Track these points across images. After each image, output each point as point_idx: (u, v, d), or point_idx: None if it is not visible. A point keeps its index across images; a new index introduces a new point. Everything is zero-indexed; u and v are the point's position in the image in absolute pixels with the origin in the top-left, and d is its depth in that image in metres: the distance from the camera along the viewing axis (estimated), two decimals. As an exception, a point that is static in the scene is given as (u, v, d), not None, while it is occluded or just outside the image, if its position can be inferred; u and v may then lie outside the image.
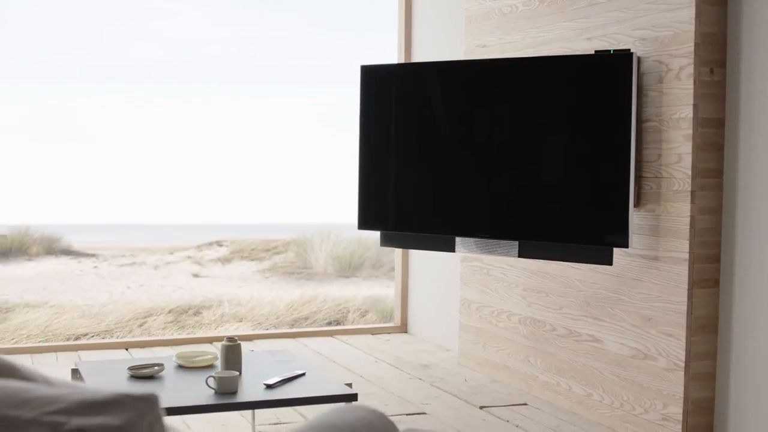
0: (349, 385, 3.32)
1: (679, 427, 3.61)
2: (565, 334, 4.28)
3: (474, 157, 4.24)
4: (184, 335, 6.02)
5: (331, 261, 9.91)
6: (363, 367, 5.09)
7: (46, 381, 1.47)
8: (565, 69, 3.97)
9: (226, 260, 10.61)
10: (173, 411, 3.03)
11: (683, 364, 3.59)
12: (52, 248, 10.55)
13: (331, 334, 6.04)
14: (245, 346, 5.42)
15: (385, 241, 4.44)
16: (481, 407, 4.31)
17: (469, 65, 4.39)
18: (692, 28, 3.53)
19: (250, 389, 3.25)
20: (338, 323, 6.80)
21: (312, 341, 5.80)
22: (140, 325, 6.58)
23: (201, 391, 3.19)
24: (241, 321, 6.80)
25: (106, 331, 6.33)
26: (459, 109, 4.31)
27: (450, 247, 4.23)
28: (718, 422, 3.61)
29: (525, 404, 4.36)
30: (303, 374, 3.46)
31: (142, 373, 3.38)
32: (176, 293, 8.43)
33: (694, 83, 3.53)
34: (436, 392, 4.58)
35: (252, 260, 10.42)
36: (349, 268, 9.73)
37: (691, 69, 3.54)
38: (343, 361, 5.26)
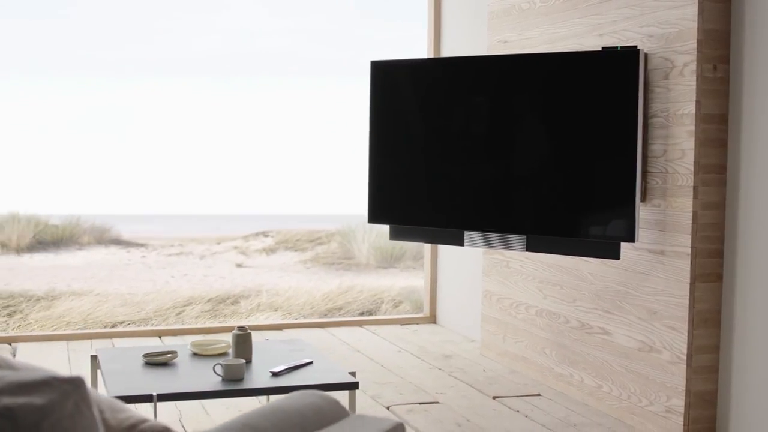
0: (353, 374, 3.43)
1: (681, 419, 3.66)
2: (578, 326, 4.35)
3: (483, 152, 4.31)
4: (216, 324, 6.19)
5: (373, 252, 10.03)
6: (386, 357, 5.21)
7: (9, 365, 1.60)
8: (573, 65, 4.02)
9: (270, 251, 10.80)
10: (181, 396, 3.18)
11: (685, 357, 3.64)
12: (103, 238, 10.84)
13: (360, 324, 6.16)
14: (275, 335, 5.59)
15: (395, 235, 4.54)
16: (495, 397, 4.39)
17: (479, 61, 4.45)
18: (695, 25, 3.57)
19: (257, 376, 3.38)
20: (371, 313, 6.91)
21: (341, 331, 5.93)
22: (178, 314, 6.77)
23: (210, 377, 3.34)
24: (276, 310, 6.95)
25: (144, 319, 6.52)
26: (468, 105, 4.39)
27: (459, 241, 4.31)
28: (721, 415, 3.66)
29: (538, 395, 4.44)
30: (310, 363, 3.58)
31: (156, 360, 3.53)
32: (218, 283, 8.62)
33: (697, 80, 3.57)
34: (453, 382, 4.68)
35: (295, 251, 10.59)
36: (390, 259, 9.84)
37: (694, 66, 3.58)
38: (367, 350, 5.38)
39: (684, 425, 3.66)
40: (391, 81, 4.55)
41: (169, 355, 3.56)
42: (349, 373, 3.43)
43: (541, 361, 4.65)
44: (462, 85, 4.40)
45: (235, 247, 11.01)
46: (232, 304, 7.24)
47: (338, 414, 1.84)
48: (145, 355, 3.55)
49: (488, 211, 4.26)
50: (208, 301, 7.32)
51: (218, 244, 11.27)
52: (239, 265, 9.95)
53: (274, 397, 4.06)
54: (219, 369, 3.33)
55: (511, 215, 4.19)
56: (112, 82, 13.82)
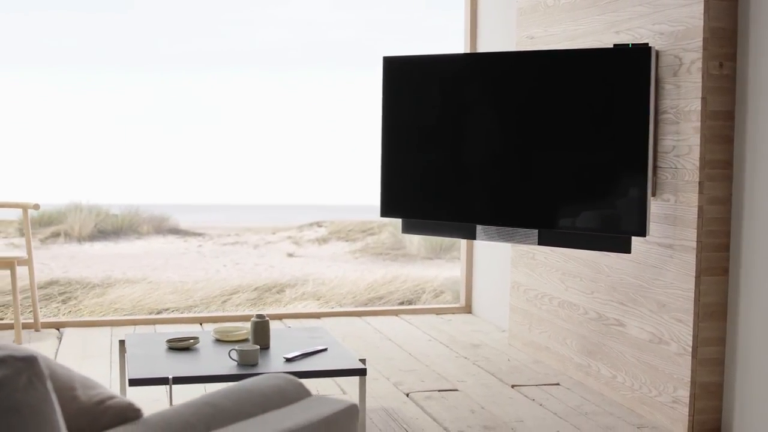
0: (363, 360, 3.58)
1: (686, 410, 3.74)
2: (596, 317, 4.44)
3: (495, 147, 4.40)
4: (255, 311, 6.39)
5: (423, 242, 10.16)
6: (415, 345, 5.35)
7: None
8: (585, 62, 4.10)
9: (323, 241, 11.00)
10: (195, 379, 3.36)
11: (691, 349, 3.72)
12: (161, 227, 11.17)
13: (397, 313, 6.31)
14: (312, 323, 5.77)
15: (407, 229, 4.65)
16: (513, 386, 4.51)
17: (491, 58, 4.48)
18: (701, 23, 3.63)
19: (271, 362, 3.55)
20: (410, 303, 7.05)
21: (376, 320, 6.09)
22: (224, 302, 7.00)
23: (225, 362, 3.52)
24: (319, 299, 7.14)
25: (191, 306, 6.77)
26: (480, 100, 4.47)
27: (471, 235, 4.42)
28: (726, 406, 3.72)
29: (557, 384, 4.54)
30: (325, 350, 3.74)
31: (178, 345, 3.73)
32: (267, 272, 8.85)
33: (703, 77, 3.63)
34: (475, 370, 4.80)
35: (347, 241, 10.78)
36: (440, 250, 9.96)
37: (700, 63, 3.64)
38: (398, 339, 5.52)
39: (689, 416, 3.73)
40: (403, 76, 4.62)
41: (191, 340, 3.76)
42: (360, 360, 3.58)
43: (563, 352, 4.75)
44: (474, 81, 4.50)
45: (289, 237, 11.24)
46: (278, 292, 7.45)
47: (300, 395, 1.99)
48: (168, 341, 3.75)
49: (500, 205, 4.36)
50: (255, 289, 7.54)
51: (273, 233, 11.52)
52: (290, 255, 10.18)
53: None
54: (234, 354, 3.51)
55: (522, 209, 4.29)
56: (173, 75, 14.15)
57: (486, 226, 4.35)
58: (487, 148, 4.44)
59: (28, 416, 1.42)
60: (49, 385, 1.48)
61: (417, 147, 4.65)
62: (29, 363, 1.44)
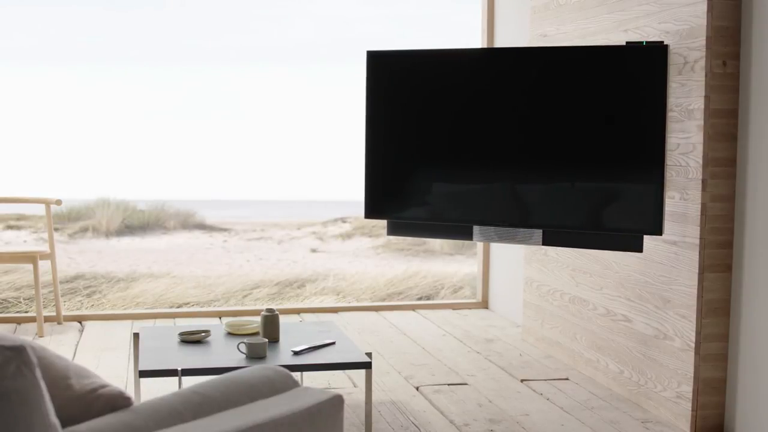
0: (369, 354, 3.65)
1: (690, 405, 3.78)
2: (604, 313, 4.48)
3: (496, 146, 4.32)
4: (274, 306, 6.48)
5: (447, 238, 10.21)
6: (428, 340, 5.41)
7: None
8: (594, 59, 4.12)
9: (347, 236, 11.08)
10: (204, 372, 3.45)
11: (694, 345, 3.76)
12: (188, 223, 11.30)
13: (414, 308, 6.38)
14: (330, 318, 5.85)
15: (393, 230, 4.47)
16: (522, 380, 4.56)
17: (485, 53, 4.44)
18: (705, 21, 3.66)
19: (279, 354, 3.63)
20: (429, 298, 7.12)
21: (393, 315, 6.16)
22: (244, 297, 7.10)
23: (235, 355, 3.61)
24: (338, 294, 7.22)
25: (212, 300, 6.87)
26: (483, 97, 4.33)
27: (467, 236, 4.33)
28: (729, 401, 3.76)
29: (566, 379, 4.59)
30: (333, 343, 3.82)
31: (190, 338, 3.82)
32: (289, 267, 8.94)
33: (706, 75, 3.67)
34: (486, 365, 4.86)
35: (370, 236, 10.85)
36: (462, 246, 10.00)
37: (703, 62, 3.68)
38: (413, 333, 5.59)
39: (692, 411, 3.77)
40: (389, 72, 4.48)
41: (203, 333, 3.85)
42: (366, 353, 3.65)
43: (573, 347, 4.80)
44: (472, 77, 4.44)
45: (314, 233, 11.33)
46: (298, 287, 7.54)
47: (287, 386, 2.07)
48: (180, 334, 3.84)
49: (500, 204, 4.30)
50: (276, 284, 7.64)
51: (298, 229, 11.61)
52: (313, 250, 10.27)
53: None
54: (243, 347, 3.59)
55: (526, 209, 4.29)
56: (202, 71, 14.27)
57: (483, 227, 4.30)
58: (487, 146, 4.39)
59: (17, 402, 1.50)
60: (38, 373, 1.56)
61: (405, 145, 4.49)
62: (18, 352, 1.53)
